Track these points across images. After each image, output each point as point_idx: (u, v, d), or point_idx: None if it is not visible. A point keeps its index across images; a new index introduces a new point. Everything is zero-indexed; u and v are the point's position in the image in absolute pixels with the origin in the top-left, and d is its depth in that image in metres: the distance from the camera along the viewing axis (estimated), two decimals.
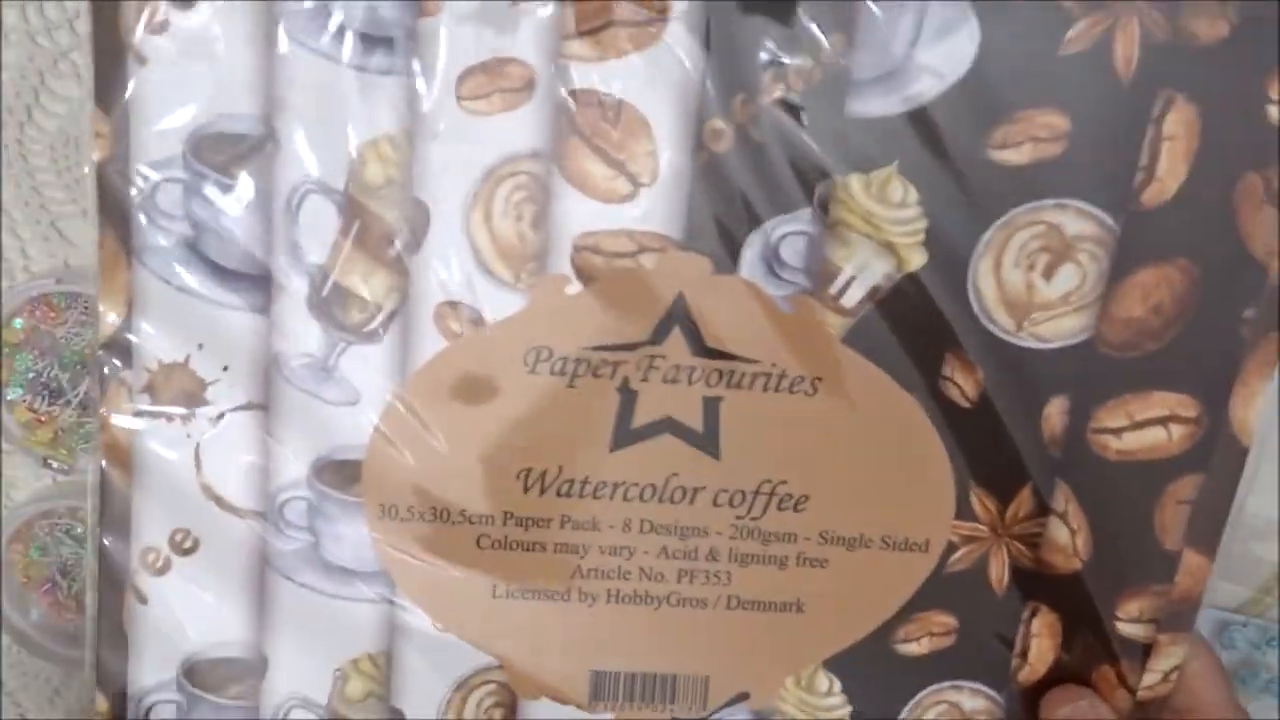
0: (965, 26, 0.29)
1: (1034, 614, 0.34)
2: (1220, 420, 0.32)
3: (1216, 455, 0.32)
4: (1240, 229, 0.30)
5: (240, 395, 0.32)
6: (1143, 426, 0.32)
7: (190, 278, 0.31)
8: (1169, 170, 0.30)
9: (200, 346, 0.32)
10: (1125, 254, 0.31)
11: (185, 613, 0.33)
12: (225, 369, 0.32)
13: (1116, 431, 0.32)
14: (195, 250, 0.31)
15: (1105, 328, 0.31)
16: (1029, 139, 0.30)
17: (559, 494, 0.33)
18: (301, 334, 0.32)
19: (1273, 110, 0.30)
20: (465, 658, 0.34)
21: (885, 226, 0.31)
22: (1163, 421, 0.32)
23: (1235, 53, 0.29)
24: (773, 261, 0.31)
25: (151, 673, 0.34)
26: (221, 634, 0.34)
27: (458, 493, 0.33)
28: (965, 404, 0.32)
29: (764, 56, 0.29)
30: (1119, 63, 0.29)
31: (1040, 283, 0.31)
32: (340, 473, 0.32)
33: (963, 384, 0.32)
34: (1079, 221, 0.30)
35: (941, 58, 0.29)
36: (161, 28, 0.30)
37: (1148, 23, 0.29)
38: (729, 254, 0.31)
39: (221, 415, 0.32)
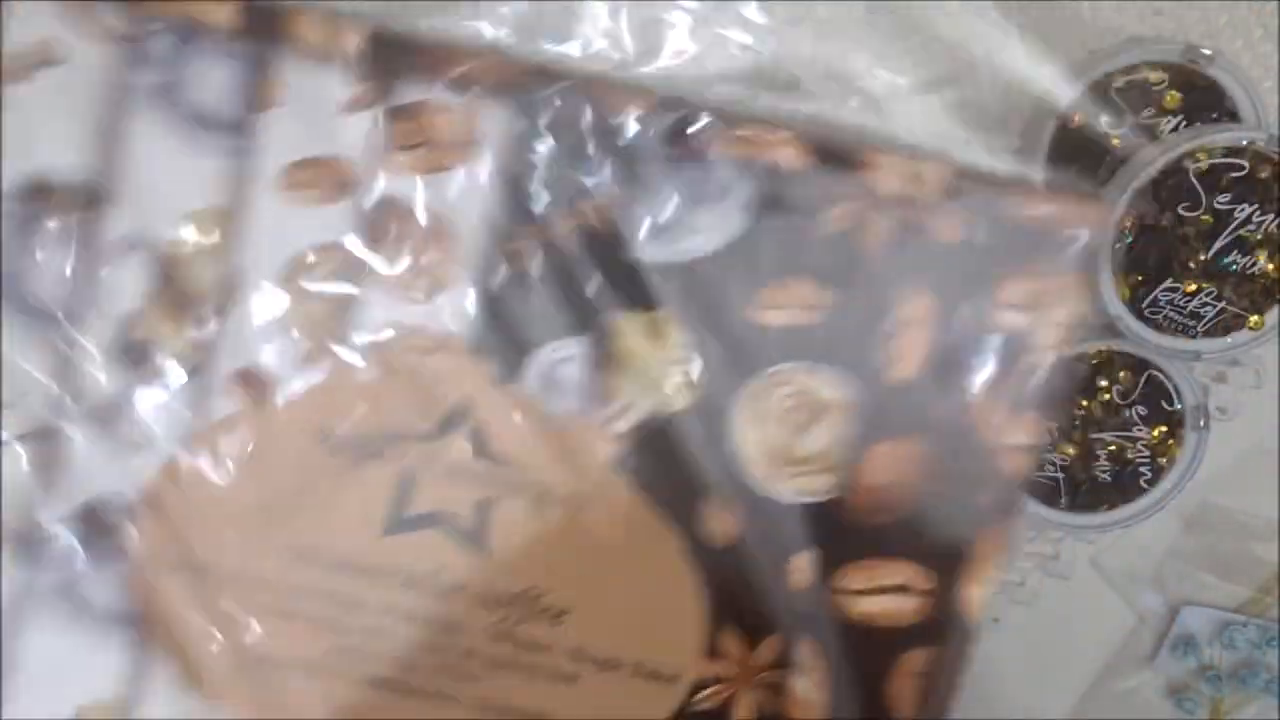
0: (737, 195, 0.32)
1: None
2: (952, 597, 0.33)
3: (945, 631, 0.34)
4: (972, 418, 0.32)
5: (26, 425, 0.32)
6: (882, 592, 0.34)
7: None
8: (908, 354, 0.32)
9: None
10: (871, 424, 0.33)
11: None
12: (21, 397, 0.32)
13: (857, 593, 0.34)
14: (5, 286, 0.32)
15: (853, 491, 0.33)
16: (789, 304, 0.32)
17: (326, 570, 0.33)
18: (97, 378, 0.32)
19: (1002, 314, 0.32)
20: (208, 713, 0.34)
21: (657, 366, 0.32)
22: (899, 590, 0.34)
23: (970, 255, 0.32)
24: (553, 380, 0.33)
25: None
26: None
27: (226, 553, 0.33)
28: (718, 545, 0.33)
29: (563, 189, 0.32)
30: (869, 250, 0.32)
31: (794, 440, 0.33)
32: (112, 516, 0.33)
33: (717, 526, 0.33)
34: (830, 387, 0.33)
35: (717, 220, 0.32)
36: (19, 76, 0.31)
37: (893, 218, 0.31)
38: (514, 366, 0.32)
39: (5, 443, 0.32)
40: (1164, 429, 0.38)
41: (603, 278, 0.32)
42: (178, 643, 0.33)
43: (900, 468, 0.33)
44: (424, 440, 0.33)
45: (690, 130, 0.32)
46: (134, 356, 0.32)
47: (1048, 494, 0.38)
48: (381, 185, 0.32)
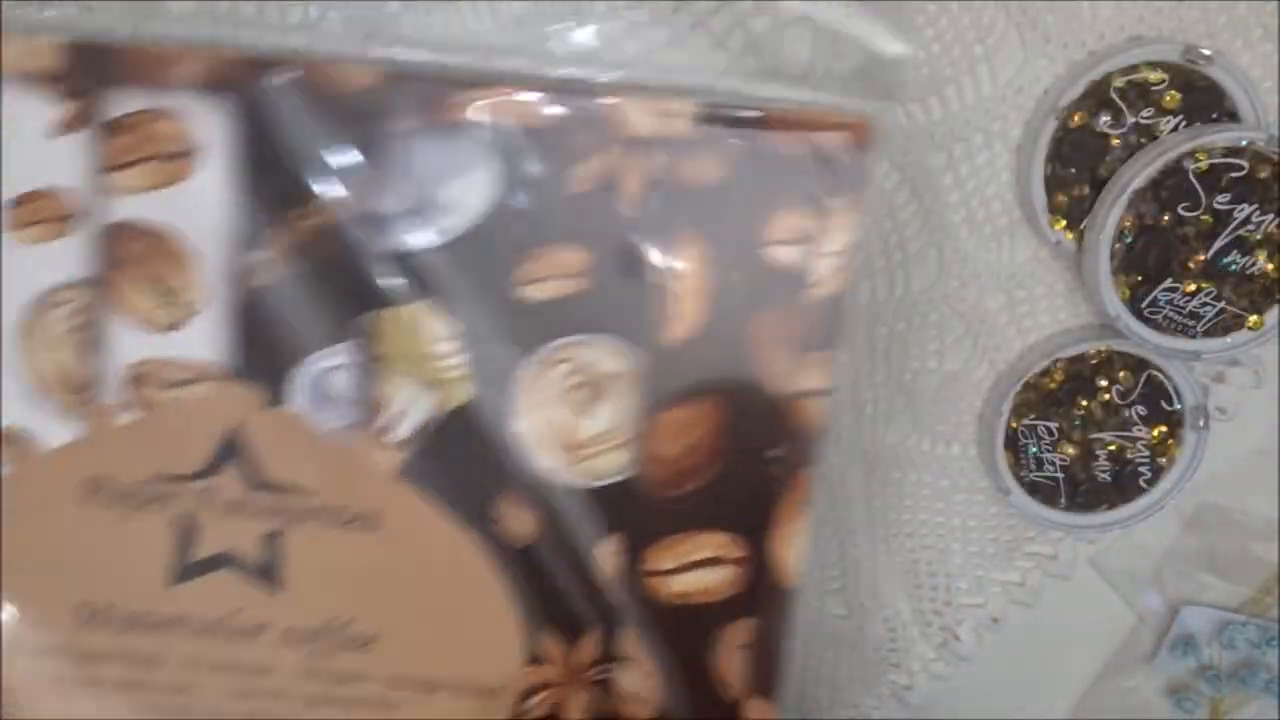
0: (483, 163, 0.29)
1: None
2: (765, 561, 0.32)
3: (763, 598, 0.32)
4: (756, 368, 0.30)
5: None
6: (692, 568, 0.32)
7: None
8: (684, 309, 0.30)
9: None
10: (656, 391, 0.31)
11: None
12: None
13: (667, 574, 0.32)
14: None
15: (647, 465, 0.31)
16: (550, 275, 0.30)
17: (119, 629, 0.31)
18: None
19: (772, 251, 0.30)
20: None
21: (427, 362, 0.30)
22: (710, 563, 0.32)
23: (734, 194, 0.29)
24: (321, 395, 0.30)
25: None
26: None
27: (15, 626, 0.31)
28: (520, 544, 0.32)
29: (294, 189, 0.29)
30: (626, 202, 0.29)
31: (579, 420, 0.31)
32: None
33: (515, 523, 0.31)
34: (608, 358, 0.30)
35: (464, 193, 0.29)
36: None
37: (648, 163, 0.29)
38: (279, 385, 0.30)
39: None
40: (1164, 429, 0.37)
41: (357, 276, 0.30)
42: None
43: (692, 433, 0.31)
44: (197, 479, 0.31)
45: (420, 98, 0.29)
46: None
47: (1048, 494, 0.38)
48: (108, 210, 0.29)
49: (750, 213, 0.30)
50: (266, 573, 0.32)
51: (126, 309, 0.30)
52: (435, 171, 0.29)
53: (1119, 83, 0.35)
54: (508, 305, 0.30)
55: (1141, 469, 0.38)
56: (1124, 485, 0.38)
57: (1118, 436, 0.37)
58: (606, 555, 0.32)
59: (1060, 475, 0.38)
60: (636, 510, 0.32)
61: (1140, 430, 0.37)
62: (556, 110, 0.29)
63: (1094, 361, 0.37)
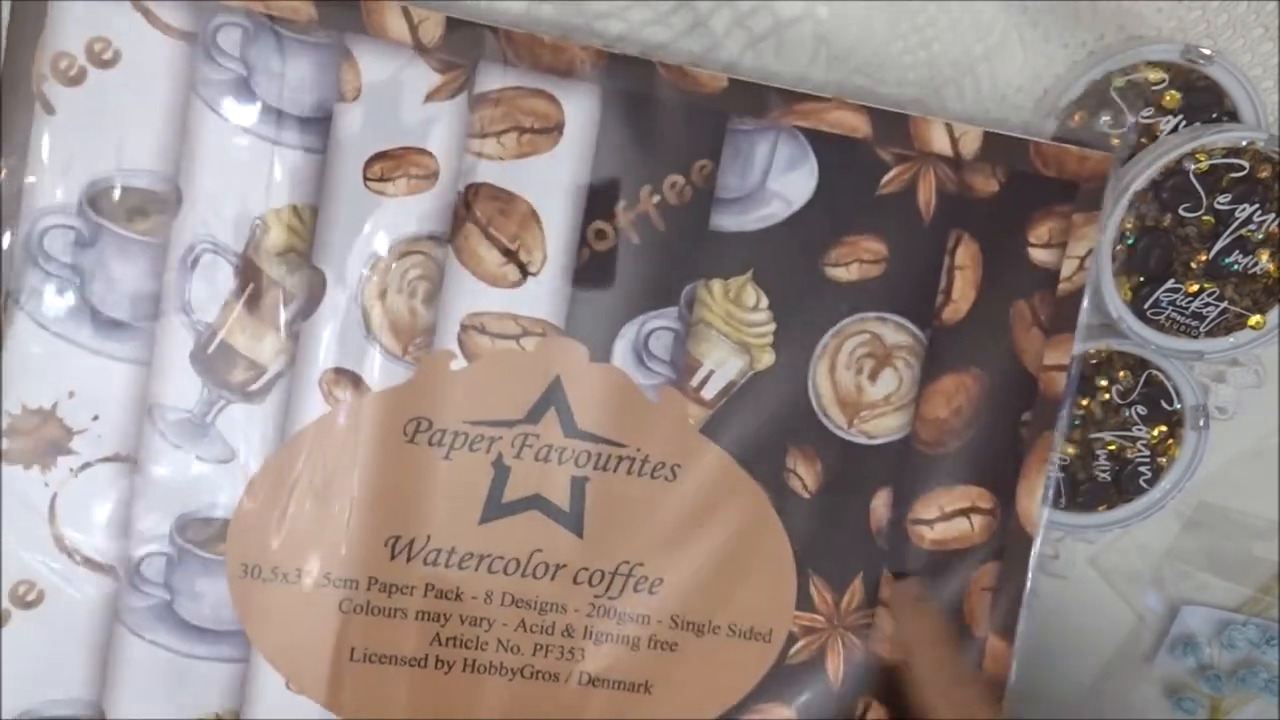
0: (806, 162, 0.34)
1: (866, 709, 0.36)
2: (1011, 511, 0.36)
3: (1008, 544, 0.36)
4: (1015, 346, 0.36)
5: (108, 446, 0.32)
6: (951, 518, 0.36)
7: (70, 324, 0.32)
8: (961, 295, 0.35)
9: (71, 394, 0.32)
10: (932, 362, 0.36)
11: (21, 668, 0.33)
12: (95, 418, 0.32)
13: (930, 522, 0.36)
14: (80, 297, 0.31)
15: (919, 426, 0.36)
16: (856, 260, 0.35)
17: (425, 563, 0.34)
18: (181, 389, 0.32)
19: (1032, 252, 0.35)
20: (317, 715, 0.34)
21: (740, 328, 0.34)
22: (966, 513, 0.36)
23: (1003, 204, 0.35)
24: (642, 353, 0.34)
25: None
26: (59, 691, 0.33)
27: (324, 555, 0.33)
28: (805, 495, 0.35)
29: (644, 170, 0.33)
30: (921, 205, 0.35)
31: (866, 384, 0.35)
32: (205, 530, 0.33)
33: (804, 476, 0.35)
34: (896, 333, 0.35)
35: (788, 186, 0.34)
36: (78, 79, 0.31)
37: (941, 175, 0.34)
38: (605, 343, 0.34)
39: (86, 465, 0.32)
40: (1164, 429, 0.38)
41: (687, 249, 0.34)
42: (283, 649, 0.34)
43: (959, 399, 0.36)
44: (518, 424, 0.34)
45: (762, 104, 0.34)
46: (217, 366, 0.32)
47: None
48: (463, 172, 0.33)
49: (1016, 219, 0.35)
50: (570, 516, 0.34)
51: (474, 264, 0.33)
52: (766, 166, 0.34)
53: (1119, 83, 0.35)
54: (816, 283, 0.34)
55: (1141, 469, 0.38)
56: (1124, 485, 0.38)
57: (1118, 436, 0.37)
58: (879, 506, 0.36)
59: (1060, 475, 0.37)
60: (907, 465, 0.36)
61: (1140, 430, 0.37)
62: (869, 126, 0.34)
63: (1094, 361, 0.37)
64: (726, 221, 0.34)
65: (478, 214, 0.33)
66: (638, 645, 0.35)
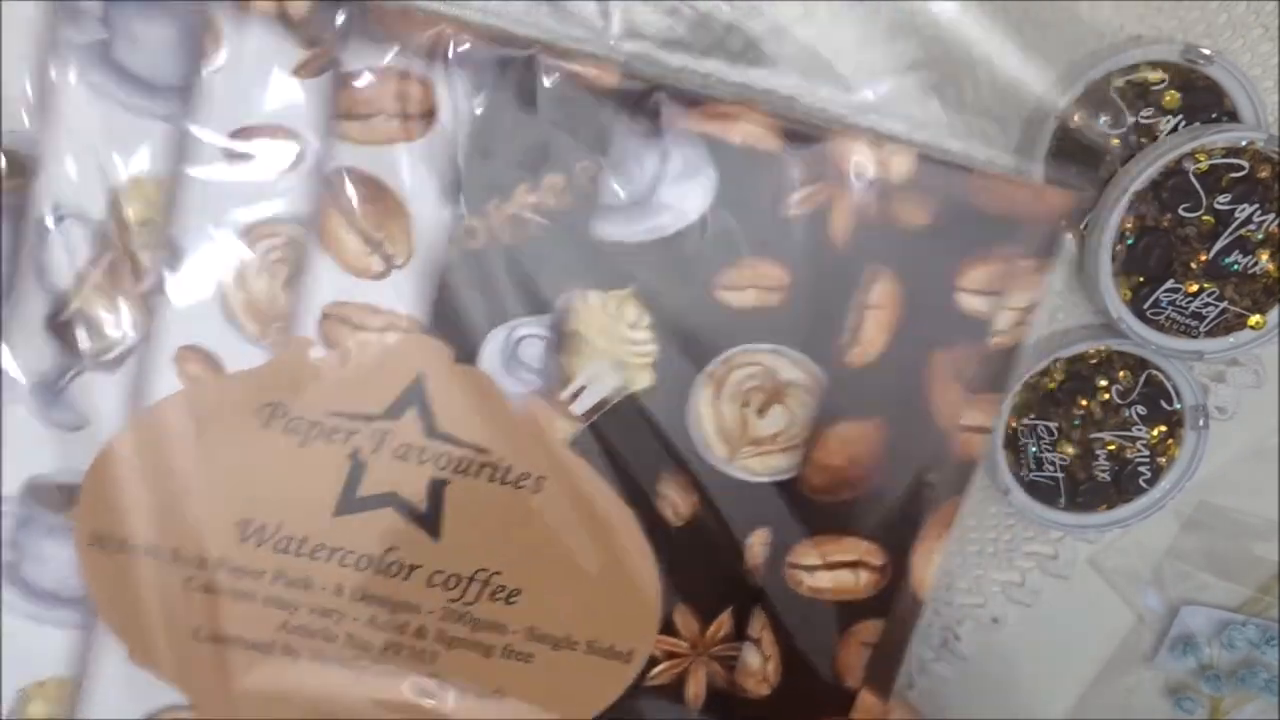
0: (704, 173, 0.31)
1: None
2: (902, 572, 0.34)
3: (896, 604, 0.35)
4: (929, 400, 0.33)
5: None
6: (834, 568, 0.34)
7: None
8: (871, 337, 0.33)
9: None
10: (830, 406, 0.33)
11: None
12: None
13: (810, 569, 0.34)
14: None
15: (809, 471, 0.34)
16: (753, 285, 0.32)
17: (276, 549, 0.33)
18: (35, 354, 0.32)
19: (962, 298, 0.32)
20: (157, 693, 0.34)
21: (618, 345, 0.32)
22: (852, 565, 0.34)
23: (934, 239, 0.32)
24: (511, 359, 0.32)
25: None
26: None
27: (174, 532, 0.33)
28: (677, 523, 0.34)
29: (522, 167, 0.31)
30: (835, 232, 0.32)
31: (754, 419, 0.33)
32: (55, 495, 0.33)
33: (677, 504, 0.34)
34: (791, 369, 0.33)
35: (682, 198, 0.32)
36: None
37: (861, 201, 0.32)
38: (470, 345, 0.32)
39: None
40: (1164, 429, 0.37)
41: (565, 256, 0.32)
42: (127, 621, 0.33)
43: (857, 448, 0.33)
44: (376, 420, 0.32)
45: (657, 105, 0.31)
46: (72, 333, 0.31)
47: (1047, 494, 0.38)
48: (328, 154, 0.31)
49: (947, 259, 0.32)
50: (427, 517, 0.33)
51: (335, 251, 0.32)
52: (658, 173, 0.31)
53: (1119, 83, 0.35)
54: (704, 306, 0.32)
55: (1141, 469, 0.38)
56: (1124, 485, 0.38)
57: (1117, 436, 0.37)
58: (756, 544, 0.34)
59: (1060, 475, 0.38)
60: (791, 508, 0.34)
61: (1140, 430, 0.37)
62: (778, 138, 0.31)
63: (1094, 361, 0.37)
64: (610, 230, 0.32)
65: (342, 199, 0.31)
66: (491, 653, 0.34)
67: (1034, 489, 0.38)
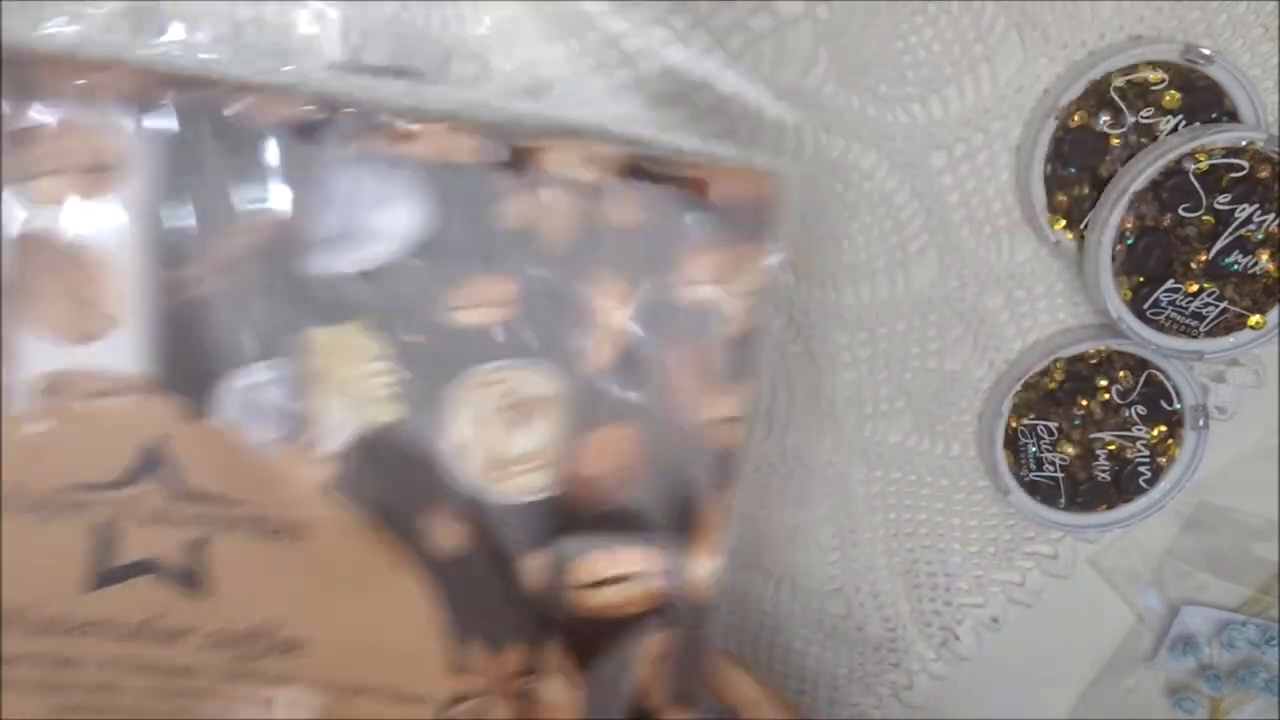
0: (409, 195, 0.30)
1: None
2: (683, 576, 0.33)
3: (680, 611, 0.33)
4: (674, 397, 0.32)
5: None
6: (615, 582, 0.33)
7: None
8: (606, 340, 0.32)
9: None
10: (580, 415, 0.32)
11: None
12: None
13: (592, 586, 0.33)
14: None
15: (571, 485, 0.32)
16: (481, 303, 0.31)
17: (34, 633, 0.31)
18: None
19: (687, 290, 0.31)
20: None
21: (356, 380, 0.31)
22: (632, 576, 0.33)
23: (650, 236, 0.31)
24: (251, 408, 0.31)
25: None
26: None
27: None
28: (449, 556, 0.32)
29: (222, 210, 0.30)
30: (550, 239, 0.31)
31: (508, 439, 0.32)
32: None
33: (443, 536, 0.32)
34: (537, 383, 0.32)
35: (390, 223, 0.30)
36: None
37: (572, 204, 0.31)
38: (206, 398, 0.31)
39: None
40: (1164, 429, 0.37)
41: (284, 295, 0.30)
42: None
43: (615, 455, 0.32)
44: (114, 488, 0.30)
45: (349, 130, 0.29)
46: None
47: (1048, 494, 0.38)
48: (11, 220, 0.28)
49: (666, 253, 0.31)
50: (190, 579, 0.31)
51: (37, 320, 0.29)
52: (361, 200, 0.30)
53: (1119, 82, 0.35)
54: (437, 329, 0.31)
55: (1141, 469, 0.38)
56: (1124, 485, 0.38)
57: (1118, 436, 0.37)
58: (532, 568, 0.32)
59: (1060, 475, 0.38)
60: (561, 526, 0.32)
61: (1140, 430, 0.37)
62: (480, 150, 0.30)
63: (1094, 361, 0.37)
64: (324, 262, 0.30)
65: (34, 266, 0.29)
66: (280, 710, 0.32)
67: (1034, 489, 0.38)
